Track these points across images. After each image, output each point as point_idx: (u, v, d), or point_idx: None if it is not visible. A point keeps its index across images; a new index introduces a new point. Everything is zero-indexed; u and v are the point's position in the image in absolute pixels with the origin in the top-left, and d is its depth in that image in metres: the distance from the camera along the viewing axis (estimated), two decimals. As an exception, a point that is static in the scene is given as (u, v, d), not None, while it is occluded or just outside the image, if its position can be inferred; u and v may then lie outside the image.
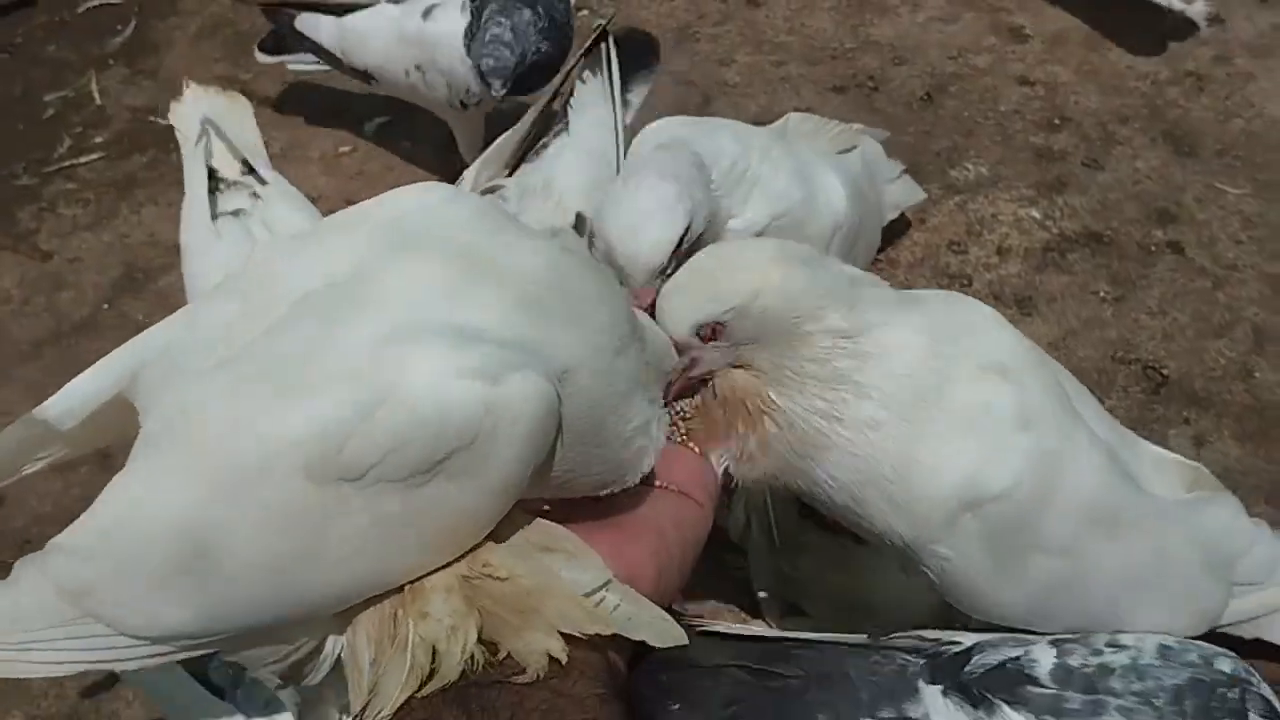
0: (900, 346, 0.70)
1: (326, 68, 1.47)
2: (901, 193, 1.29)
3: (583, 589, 0.45)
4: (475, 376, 0.40)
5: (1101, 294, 1.29)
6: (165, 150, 1.62)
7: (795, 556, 1.08)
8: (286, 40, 1.48)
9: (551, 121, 1.13)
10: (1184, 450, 1.06)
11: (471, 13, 1.26)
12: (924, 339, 0.71)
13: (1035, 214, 1.39)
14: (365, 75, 1.42)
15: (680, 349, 0.66)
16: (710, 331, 0.66)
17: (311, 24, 1.43)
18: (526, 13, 1.22)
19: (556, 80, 1.21)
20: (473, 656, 0.43)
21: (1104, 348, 1.24)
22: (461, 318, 0.42)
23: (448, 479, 0.41)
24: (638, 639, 0.46)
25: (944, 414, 0.70)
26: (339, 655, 0.46)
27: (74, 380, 0.47)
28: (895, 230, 1.35)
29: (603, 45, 1.14)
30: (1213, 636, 0.85)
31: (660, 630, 0.46)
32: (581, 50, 1.17)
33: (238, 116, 1.11)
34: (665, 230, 0.77)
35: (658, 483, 0.59)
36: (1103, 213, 1.38)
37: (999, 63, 1.60)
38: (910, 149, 1.48)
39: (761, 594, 1.07)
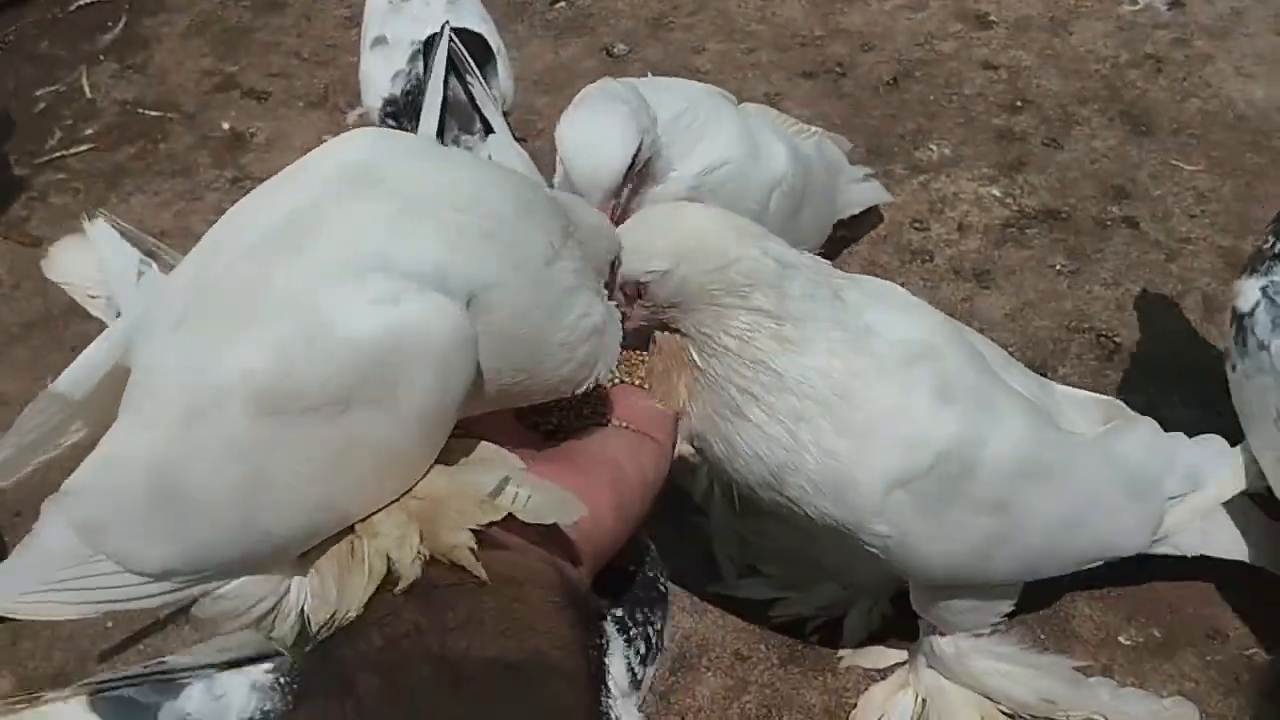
0: (823, 341, 0.71)
1: None
2: (868, 193, 1.32)
3: (486, 489, 0.47)
4: (378, 302, 0.42)
5: (1058, 267, 1.33)
6: (153, 141, 1.66)
7: (756, 520, 1.11)
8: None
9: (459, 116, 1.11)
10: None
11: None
12: (846, 334, 0.72)
13: (996, 192, 1.42)
14: None
15: None
16: (635, 290, 0.68)
17: None
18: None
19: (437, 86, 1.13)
20: (426, 555, 0.46)
21: (1059, 318, 1.27)
22: (375, 249, 0.45)
23: (369, 406, 0.43)
24: (548, 523, 0.47)
25: (865, 404, 0.72)
26: (303, 606, 0.49)
27: (81, 353, 0.48)
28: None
29: (450, 45, 1.10)
30: (1163, 560, 0.89)
31: (561, 507, 0.47)
32: (441, 55, 1.11)
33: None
34: (618, 149, 0.81)
35: (615, 422, 0.61)
36: (1061, 190, 1.42)
37: (964, 48, 1.64)
38: (876, 131, 1.52)
39: (721, 555, 1.10)
